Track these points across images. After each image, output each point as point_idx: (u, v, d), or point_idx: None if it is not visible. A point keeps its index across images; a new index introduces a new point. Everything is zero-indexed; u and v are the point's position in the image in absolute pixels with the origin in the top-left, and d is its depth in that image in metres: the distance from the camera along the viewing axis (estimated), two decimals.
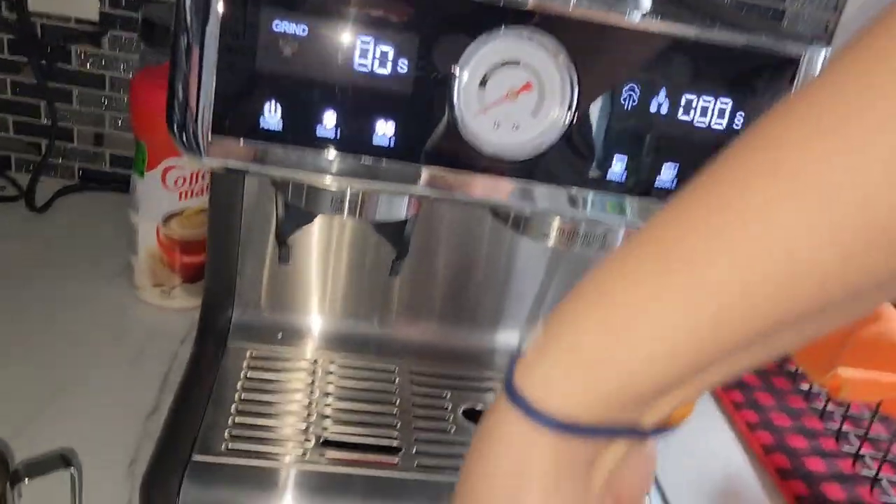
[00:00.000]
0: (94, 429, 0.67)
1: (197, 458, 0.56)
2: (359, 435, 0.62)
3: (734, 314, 0.23)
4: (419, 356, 0.73)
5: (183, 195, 0.79)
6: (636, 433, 0.27)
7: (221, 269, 0.68)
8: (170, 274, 0.82)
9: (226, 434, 0.59)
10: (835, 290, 0.22)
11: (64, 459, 0.49)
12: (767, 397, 0.93)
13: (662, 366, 0.24)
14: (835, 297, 0.22)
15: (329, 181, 0.46)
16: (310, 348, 0.71)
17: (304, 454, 0.59)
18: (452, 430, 0.65)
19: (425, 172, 0.46)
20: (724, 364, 0.25)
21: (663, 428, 0.27)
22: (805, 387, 0.94)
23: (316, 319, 0.72)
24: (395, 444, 0.62)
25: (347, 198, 0.49)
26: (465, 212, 0.69)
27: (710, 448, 0.84)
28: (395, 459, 0.60)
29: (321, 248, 0.70)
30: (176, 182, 0.78)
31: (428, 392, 0.69)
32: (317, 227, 0.68)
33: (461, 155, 0.46)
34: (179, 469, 0.55)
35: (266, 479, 0.56)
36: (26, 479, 0.48)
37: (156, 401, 0.72)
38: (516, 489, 0.26)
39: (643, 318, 0.24)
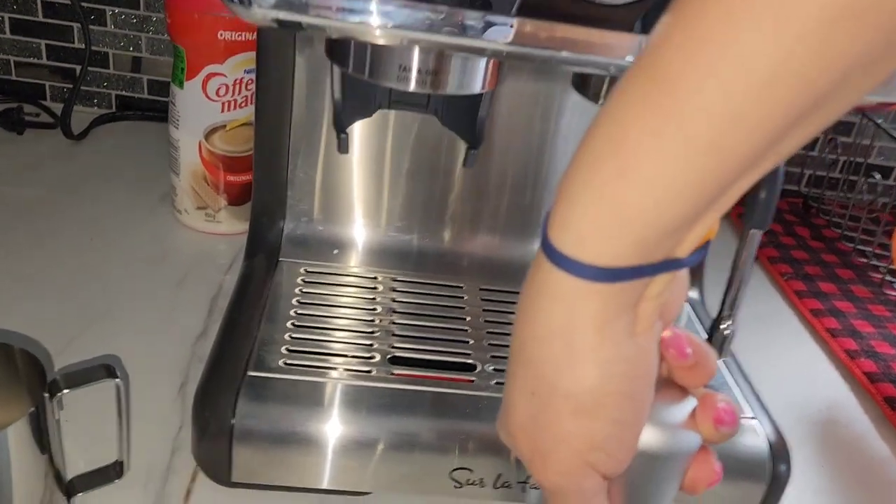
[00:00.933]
0: (140, 353, 0.62)
1: (252, 373, 0.50)
2: (429, 352, 0.56)
3: (736, 128, 0.23)
4: (486, 273, 0.66)
5: (226, 106, 0.72)
6: (674, 265, 0.27)
7: (271, 176, 0.62)
8: (214, 194, 0.77)
9: (282, 350, 0.53)
10: (821, 82, 0.23)
11: (107, 370, 0.44)
12: (866, 324, 0.84)
13: (683, 198, 0.24)
14: (823, 89, 0.23)
15: (395, 36, 0.39)
16: (368, 264, 0.65)
17: (371, 371, 0.53)
18: None
19: (513, 25, 0.39)
20: (743, 179, 0.25)
21: (696, 252, 0.27)
22: None
23: (372, 233, 0.66)
24: (469, 361, 0.56)
25: (415, 64, 0.42)
26: (534, 98, 0.61)
27: (809, 379, 0.77)
28: (471, 377, 0.54)
29: (376, 152, 0.63)
30: (218, 91, 0.71)
31: (500, 309, 0.62)
32: (373, 128, 0.61)
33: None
34: (234, 385, 0.49)
35: (330, 396, 0.50)
36: (66, 389, 0.42)
37: (203, 325, 0.67)
38: (569, 343, 0.27)
39: (652, 156, 0.24)
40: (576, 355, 0.27)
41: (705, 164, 0.24)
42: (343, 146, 0.56)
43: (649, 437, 0.30)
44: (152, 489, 0.51)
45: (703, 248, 0.28)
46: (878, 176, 0.99)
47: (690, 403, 0.31)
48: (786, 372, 0.76)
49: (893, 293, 0.90)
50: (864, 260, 0.98)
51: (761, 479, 0.52)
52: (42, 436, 0.41)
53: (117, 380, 0.44)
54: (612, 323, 0.27)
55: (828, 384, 0.76)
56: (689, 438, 0.31)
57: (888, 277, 0.90)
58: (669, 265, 0.27)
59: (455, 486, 0.50)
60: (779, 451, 0.53)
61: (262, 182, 0.63)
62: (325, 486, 0.50)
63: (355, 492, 0.51)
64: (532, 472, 0.30)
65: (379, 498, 0.53)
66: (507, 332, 0.60)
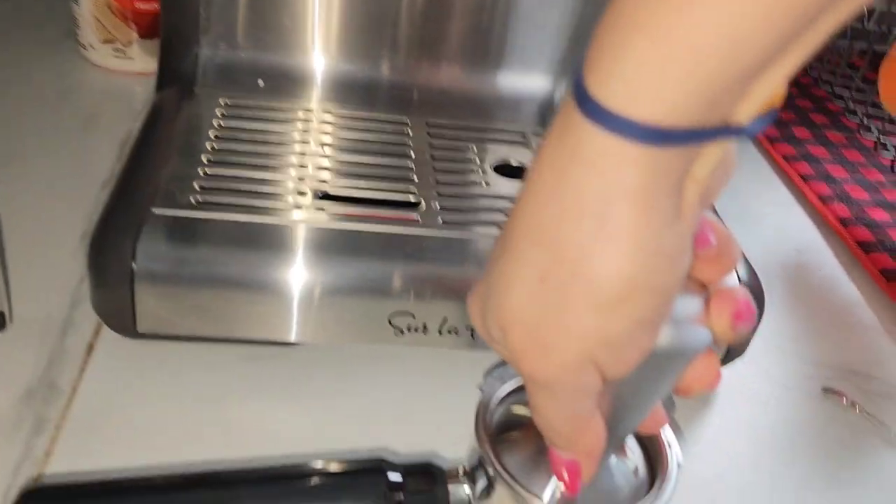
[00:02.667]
0: (41, 203, 0.55)
1: (157, 210, 0.43)
2: (367, 189, 0.49)
3: None
4: (436, 108, 0.59)
5: None
6: (732, 132, 0.23)
7: None
8: (121, 25, 0.67)
9: (194, 185, 0.46)
10: None
11: None
12: (839, 170, 0.80)
13: (757, 32, 0.20)
14: None
15: None
16: (298, 97, 0.57)
17: (299, 208, 0.46)
18: (483, 186, 0.52)
19: None
20: (822, 17, 0.21)
21: (759, 119, 0.23)
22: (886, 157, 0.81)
23: (306, 61, 0.57)
24: (412, 199, 0.49)
25: None
26: None
27: (780, 224, 0.72)
28: (415, 215, 0.47)
29: None
30: None
31: (449, 145, 0.55)
32: None
33: None
34: (134, 224, 0.42)
35: (248, 235, 0.43)
36: None
37: (111, 171, 0.59)
38: (603, 221, 0.22)
39: None
40: (609, 237, 0.22)
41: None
42: None
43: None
44: (49, 344, 0.45)
45: (767, 115, 0.24)
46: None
47: (702, 297, 0.27)
48: (757, 217, 0.72)
49: (870, 138, 0.85)
50: (842, 104, 0.92)
51: None
52: None
53: None
54: (655, 202, 0.22)
55: (799, 229, 0.72)
56: (699, 335, 0.26)
57: (866, 121, 0.85)
58: (727, 132, 0.23)
59: (395, 334, 0.45)
60: (754, 292, 0.49)
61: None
62: (246, 336, 0.44)
63: (282, 342, 0.45)
64: (519, 364, 0.26)
65: (310, 349, 0.47)
66: (457, 168, 0.53)
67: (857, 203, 0.74)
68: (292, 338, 0.44)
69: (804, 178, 0.78)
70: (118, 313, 0.42)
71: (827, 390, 0.53)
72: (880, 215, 0.72)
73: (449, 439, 0.43)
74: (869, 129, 0.85)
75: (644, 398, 0.29)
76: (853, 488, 0.46)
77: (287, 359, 0.47)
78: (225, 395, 0.44)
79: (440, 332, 0.45)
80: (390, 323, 0.44)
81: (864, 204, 0.74)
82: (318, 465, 0.33)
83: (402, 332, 0.44)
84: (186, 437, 0.41)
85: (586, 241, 0.23)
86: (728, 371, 0.52)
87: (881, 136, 0.82)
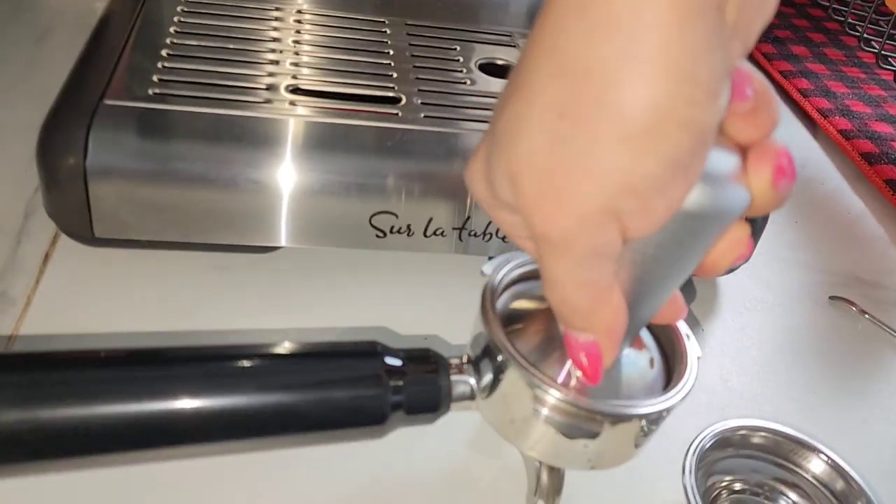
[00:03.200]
0: None
1: (110, 102, 0.39)
2: (343, 83, 0.45)
3: None
4: (417, 10, 0.54)
5: None
6: None
7: None
8: None
9: (153, 78, 0.42)
10: None
11: None
12: (839, 85, 0.76)
13: None
14: None
15: None
16: None
17: (270, 102, 0.42)
18: (468, 83, 0.48)
19: None
20: None
21: None
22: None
23: None
24: (392, 95, 0.45)
25: None
26: None
27: (779, 139, 0.69)
28: (395, 110, 0.44)
29: None
30: None
31: (430, 44, 0.52)
32: None
33: None
34: (84, 117, 0.38)
35: (214, 128, 0.39)
36: None
37: None
38: (635, 39, 0.19)
39: None
40: (641, 57, 0.19)
41: None
42: None
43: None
44: (2, 255, 0.41)
45: None
46: None
47: (739, 156, 0.23)
48: None
49: (871, 53, 0.82)
50: (841, 19, 0.89)
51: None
52: None
53: None
54: (692, 19, 0.19)
55: (800, 145, 0.69)
56: (736, 194, 0.23)
57: (866, 35, 0.82)
58: None
59: (378, 236, 0.41)
60: None
61: None
62: (212, 240, 0.40)
63: (256, 247, 0.42)
64: (532, 220, 0.22)
65: (284, 257, 0.44)
66: (439, 66, 0.49)
67: (859, 116, 0.71)
68: (263, 241, 0.41)
69: (803, 92, 0.74)
70: (72, 216, 0.38)
71: (834, 298, 0.50)
72: (883, 128, 0.69)
73: (442, 349, 0.40)
74: (869, 43, 0.81)
75: (668, 272, 0.25)
76: (861, 393, 0.44)
77: (260, 268, 0.43)
78: (193, 305, 0.40)
79: (426, 235, 0.41)
80: (371, 224, 0.41)
81: (867, 117, 0.71)
82: (308, 346, 0.28)
83: (384, 234, 0.41)
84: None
85: (615, 65, 0.19)
86: (731, 280, 0.50)
87: (882, 51, 0.79)
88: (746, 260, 0.25)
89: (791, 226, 0.57)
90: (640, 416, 0.27)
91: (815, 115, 0.71)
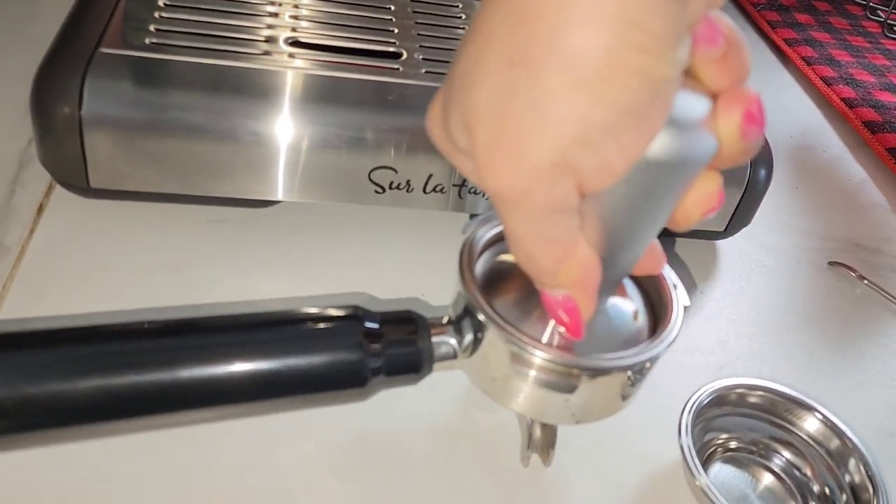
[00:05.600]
0: None
1: (106, 50, 0.38)
2: (343, 37, 0.44)
3: None
4: None
5: None
6: None
7: None
8: None
9: (150, 28, 0.41)
10: None
11: None
12: (844, 54, 0.75)
13: None
14: None
15: None
16: None
17: (268, 54, 0.41)
18: None
19: None
20: None
21: None
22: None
23: None
24: (392, 50, 0.45)
25: None
26: None
27: (782, 106, 0.68)
28: (396, 64, 0.43)
29: None
30: None
31: (432, 0, 0.51)
32: None
33: None
34: (80, 65, 0.37)
35: (212, 78, 0.39)
36: None
37: None
38: None
39: None
40: (591, 2, 0.19)
41: None
42: None
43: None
44: None
45: None
46: None
47: (708, 102, 0.22)
48: None
49: (876, 22, 0.81)
50: None
51: (741, 182, 0.44)
52: None
53: None
54: None
55: (802, 112, 0.68)
56: (702, 142, 0.22)
57: (872, 4, 0.81)
58: None
59: (377, 192, 0.41)
60: (761, 154, 0.45)
61: None
62: (209, 192, 0.40)
63: (254, 200, 0.41)
64: (484, 173, 0.21)
65: (281, 212, 0.44)
66: (442, 23, 0.49)
67: (863, 85, 0.70)
68: (260, 195, 0.40)
69: (806, 60, 0.74)
70: (67, 165, 0.38)
71: (833, 264, 0.50)
72: (887, 97, 0.69)
73: (435, 306, 0.40)
74: (875, 12, 0.80)
75: (639, 224, 0.24)
76: (858, 356, 0.44)
77: (257, 222, 0.43)
78: (188, 257, 0.40)
79: (425, 191, 0.41)
80: (370, 179, 0.40)
81: (870, 86, 0.70)
82: (287, 313, 0.29)
83: (383, 189, 0.41)
84: (144, 299, 0.37)
85: (565, 8, 0.19)
86: (730, 244, 0.50)
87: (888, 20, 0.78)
88: (716, 212, 0.24)
89: (792, 192, 0.56)
90: (621, 368, 0.27)
91: (819, 83, 0.70)
